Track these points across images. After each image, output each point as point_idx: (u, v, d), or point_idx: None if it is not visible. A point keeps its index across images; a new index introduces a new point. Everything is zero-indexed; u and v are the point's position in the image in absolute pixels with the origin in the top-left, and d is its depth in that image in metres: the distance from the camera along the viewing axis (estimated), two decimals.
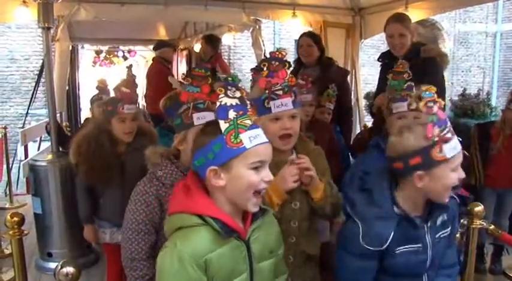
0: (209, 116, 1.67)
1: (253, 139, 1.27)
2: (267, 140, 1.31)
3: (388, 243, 1.52)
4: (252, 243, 1.36)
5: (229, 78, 1.34)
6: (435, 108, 1.45)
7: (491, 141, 3.49)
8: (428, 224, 1.58)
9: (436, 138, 1.44)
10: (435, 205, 1.58)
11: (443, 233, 1.64)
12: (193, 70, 1.73)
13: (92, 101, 4.03)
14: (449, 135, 1.45)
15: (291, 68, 1.69)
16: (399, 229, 1.54)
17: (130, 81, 2.64)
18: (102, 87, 3.84)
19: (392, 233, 1.52)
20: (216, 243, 1.29)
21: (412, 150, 1.48)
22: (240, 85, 1.33)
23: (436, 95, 1.50)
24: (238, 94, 1.30)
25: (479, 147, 3.52)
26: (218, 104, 1.29)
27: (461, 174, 1.50)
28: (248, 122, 1.27)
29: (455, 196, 1.67)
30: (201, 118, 1.67)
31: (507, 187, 3.47)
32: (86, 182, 2.63)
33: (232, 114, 1.27)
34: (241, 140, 1.25)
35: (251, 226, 1.36)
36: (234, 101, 1.28)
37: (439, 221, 1.61)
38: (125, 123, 2.53)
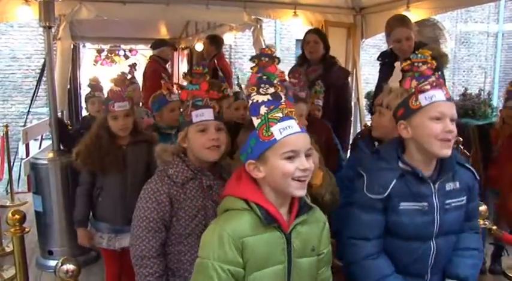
0: (207, 113, 1.71)
1: (284, 130, 1.33)
2: (299, 130, 1.36)
3: (389, 191, 1.58)
4: (293, 237, 1.41)
5: (264, 77, 1.40)
6: (423, 68, 1.59)
7: (492, 142, 3.49)
8: (436, 185, 1.62)
9: (413, 89, 1.58)
10: (443, 167, 1.63)
11: (454, 202, 1.65)
12: (192, 68, 1.76)
13: (86, 99, 4.11)
14: (427, 87, 1.55)
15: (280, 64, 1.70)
16: (403, 182, 1.60)
17: (120, 79, 2.70)
18: (94, 85, 3.86)
19: (393, 182, 1.59)
20: (256, 229, 1.36)
21: (398, 104, 1.65)
22: (275, 81, 1.40)
23: (430, 57, 1.61)
24: (271, 90, 1.37)
25: (480, 148, 3.53)
26: (250, 102, 1.37)
27: (447, 126, 1.53)
28: (279, 115, 1.34)
29: (472, 169, 1.71)
30: (199, 115, 1.70)
31: (508, 187, 3.42)
32: (84, 168, 2.61)
33: (263, 109, 1.35)
34: (271, 133, 1.33)
35: (295, 220, 1.41)
36: (266, 98, 1.36)
37: (448, 187, 1.63)
38: (118, 120, 2.55)
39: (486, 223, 2.36)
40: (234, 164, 2.02)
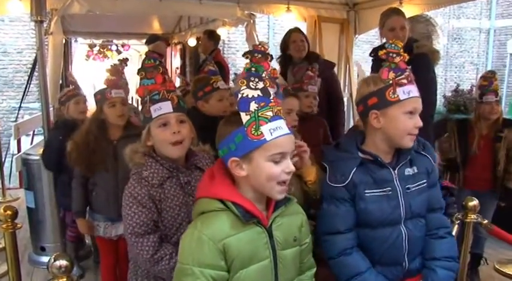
0: (165, 106, 1.67)
1: (274, 131, 1.28)
2: (288, 132, 1.32)
3: (350, 178, 1.62)
4: (274, 230, 1.38)
5: (253, 69, 1.35)
6: (397, 59, 1.60)
7: (469, 140, 3.28)
8: (396, 171, 1.67)
9: (391, 81, 1.60)
10: (400, 153, 1.69)
11: (415, 186, 1.70)
12: (143, 62, 1.72)
13: (68, 97, 3.38)
14: (404, 81, 1.59)
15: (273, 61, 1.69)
16: (364, 170, 1.65)
17: (115, 69, 2.72)
18: (75, 82, 3.59)
19: (354, 169, 1.63)
20: (236, 228, 1.32)
21: (370, 92, 1.65)
22: (263, 75, 1.35)
23: (402, 50, 1.63)
24: (261, 85, 1.32)
25: (459, 145, 3.32)
26: (240, 96, 1.31)
27: (418, 122, 1.62)
28: (269, 113, 1.29)
29: (428, 156, 1.77)
30: (157, 109, 1.67)
31: (485, 189, 3.24)
32: (74, 167, 2.63)
33: (253, 106, 1.29)
34: (261, 133, 1.28)
35: (273, 213, 1.38)
36: (256, 93, 1.30)
37: (407, 172, 1.69)
38: (116, 107, 2.56)
39: (477, 217, 2.38)
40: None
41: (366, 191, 1.64)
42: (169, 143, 1.68)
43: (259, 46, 1.50)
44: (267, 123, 1.28)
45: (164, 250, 1.66)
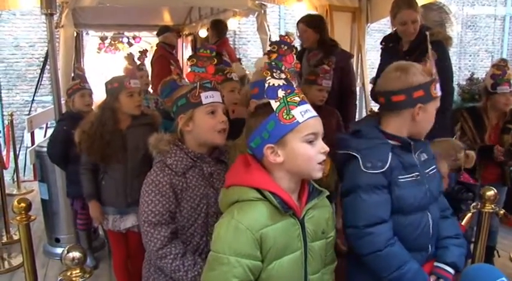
0: (216, 95, 1.71)
1: (304, 113, 1.33)
2: (316, 114, 1.36)
3: (388, 164, 1.58)
4: (306, 222, 1.40)
5: (273, 63, 1.40)
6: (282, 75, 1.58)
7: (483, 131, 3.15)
8: (416, 155, 1.67)
9: (435, 76, 1.60)
10: (415, 140, 1.68)
11: (430, 170, 1.72)
12: (198, 51, 1.73)
13: (74, 90, 3.37)
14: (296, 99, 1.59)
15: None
16: (395, 156, 1.62)
17: (131, 58, 2.81)
18: (82, 75, 3.53)
19: (390, 154, 1.59)
20: (273, 218, 1.33)
21: (418, 83, 1.58)
22: (283, 68, 1.40)
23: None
24: (283, 76, 1.37)
25: (477, 132, 3.17)
26: (266, 85, 1.35)
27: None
28: (297, 98, 1.34)
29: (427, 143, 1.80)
30: (209, 97, 1.69)
31: (495, 182, 3.08)
32: (88, 159, 2.64)
33: (281, 93, 1.34)
34: (293, 116, 1.32)
35: (307, 205, 1.40)
36: (281, 82, 1.36)
37: (422, 157, 1.70)
38: (134, 97, 2.58)
39: (496, 208, 2.35)
40: (237, 148, 2.00)
41: (399, 177, 1.61)
42: (216, 130, 1.70)
43: (286, 37, 1.49)
44: (296, 107, 1.33)
45: (171, 249, 1.65)
